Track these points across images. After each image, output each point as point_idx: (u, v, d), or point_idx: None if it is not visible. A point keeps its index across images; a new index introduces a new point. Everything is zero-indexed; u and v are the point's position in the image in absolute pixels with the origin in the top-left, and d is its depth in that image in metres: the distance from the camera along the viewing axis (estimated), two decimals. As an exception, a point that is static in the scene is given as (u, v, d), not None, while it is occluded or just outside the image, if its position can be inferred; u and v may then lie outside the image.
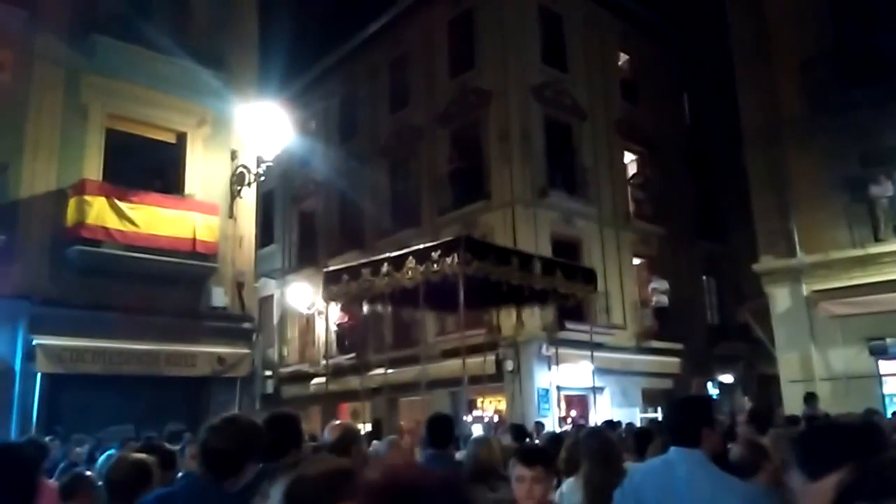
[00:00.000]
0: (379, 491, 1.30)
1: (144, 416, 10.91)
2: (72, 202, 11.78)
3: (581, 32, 21.02)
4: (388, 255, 10.56)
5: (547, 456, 3.58)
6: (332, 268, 11.85)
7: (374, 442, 5.64)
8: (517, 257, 10.65)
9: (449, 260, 9.19)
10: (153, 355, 12.18)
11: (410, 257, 9.83)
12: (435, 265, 9.35)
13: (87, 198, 11.71)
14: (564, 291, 11.45)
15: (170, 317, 12.46)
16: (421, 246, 10.17)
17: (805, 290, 14.52)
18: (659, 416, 17.83)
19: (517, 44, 19.32)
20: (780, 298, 14.94)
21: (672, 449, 3.23)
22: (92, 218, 11.65)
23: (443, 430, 4.86)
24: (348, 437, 3.92)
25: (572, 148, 20.08)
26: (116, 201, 11.93)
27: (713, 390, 16.77)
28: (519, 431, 8.47)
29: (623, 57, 23.09)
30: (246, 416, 3.14)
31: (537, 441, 8.80)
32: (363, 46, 23.58)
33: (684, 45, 23.97)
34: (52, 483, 4.18)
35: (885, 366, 13.74)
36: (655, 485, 3.17)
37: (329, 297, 11.85)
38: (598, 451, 4.20)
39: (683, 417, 3.34)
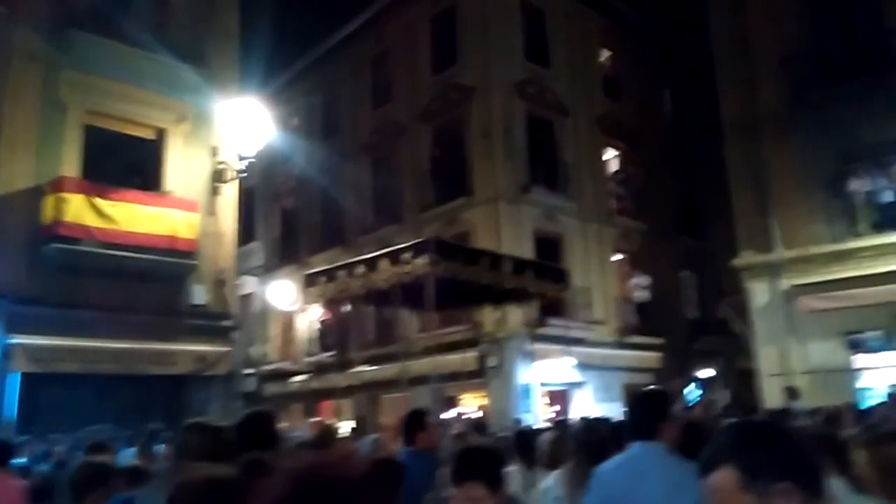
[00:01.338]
0: (296, 480, 1.30)
1: (124, 415, 10.82)
2: (49, 199, 11.66)
3: (563, 28, 21.06)
4: (362, 257, 10.76)
5: (489, 469, 2.79)
6: (310, 271, 11.97)
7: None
8: (487, 258, 10.82)
9: (420, 261, 9.36)
10: (132, 354, 12.10)
11: (384, 258, 10.00)
12: (406, 266, 9.51)
13: (65, 195, 11.59)
14: (534, 291, 11.61)
15: (149, 315, 12.37)
16: (393, 248, 10.36)
17: (784, 284, 14.65)
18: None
19: (499, 40, 19.32)
20: (759, 293, 15.08)
21: (634, 444, 3.32)
22: (70, 215, 11.53)
23: (420, 426, 4.85)
24: (327, 435, 3.94)
25: (554, 144, 20.14)
26: (95, 198, 11.82)
27: (696, 391, 16.82)
28: (480, 428, 8.51)
29: (605, 53, 23.17)
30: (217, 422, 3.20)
31: (503, 434, 8.79)
32: (346, 42, 23.50)
33: (666, 42, 24.10)
34: (22, 483, 4.13)
35: (862, 359, 13.91)
36: (622, 480, 3.23)
37: (308, 300, 12.01)
38: (591, 445, 4.15)
39: (640, 413, 3.46)
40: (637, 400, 3.74)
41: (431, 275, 9.32)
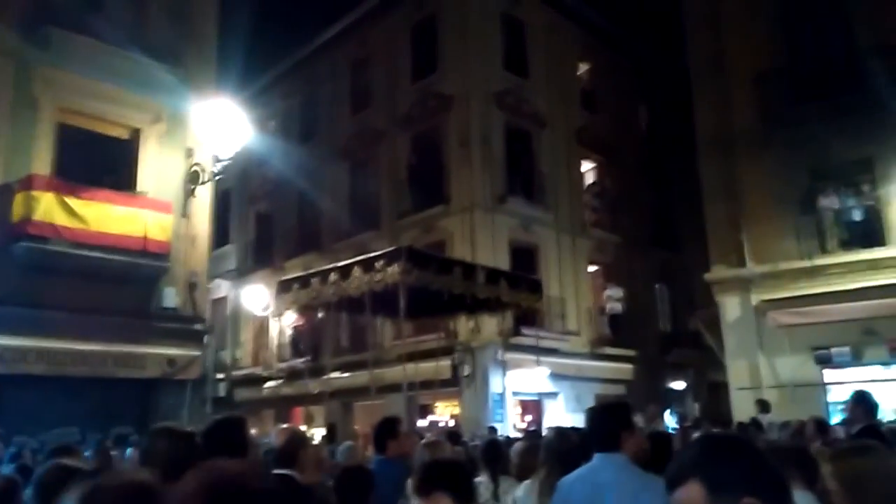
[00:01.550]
0: (203, 490, 1.28)
1: (92, 419, 10.67)
2: (18, 197, 11.47)
3: (543, 40, 21.18)
4: (335, 264, 10.82)
5: (456, 481, 2.64)
6: (283, 278, 11.98)
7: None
8: (459, 267, 10.89)
9: (392, 269, 9.42)
10: (101, 356, 11.92)
11: (356, 267, 10.04)
12: (378, 274, 9.58)
13: (35, 193, 11.41)
14: (508, 300, 11.65)
15: (119, 317, 12.19)
16: (366, 256, 10.43)
17: (754, 299, 14.83)
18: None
19: (480, 50, 19.39)
20: (731, 307, 15.24)
21: (596, 455, 3.33)
22: (39, 214, 11.35)
23: (391, 433, 4.83)
24: (296, 442, 3.90)
25: (532, 155, 20.22)
26: (65, 197, 11.64)
27: (669, 419, 16.68)
28: (454, 437, 8.51)
29: (583, 66, 23.34)
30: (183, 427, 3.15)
31: (476, 443, 8.78)
32: (326, 47, 23.44)
33: (643, 57, 24.34)
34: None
35: (829, 374, 14.10)
36: (581, 492, 3.25)
37: (281, 306, 12.03)
38: (562, 454, 4.13)
39: (602, 424, 3.45)
40: (597, 412, 3.75)
41: (403, 283, 9.35)
